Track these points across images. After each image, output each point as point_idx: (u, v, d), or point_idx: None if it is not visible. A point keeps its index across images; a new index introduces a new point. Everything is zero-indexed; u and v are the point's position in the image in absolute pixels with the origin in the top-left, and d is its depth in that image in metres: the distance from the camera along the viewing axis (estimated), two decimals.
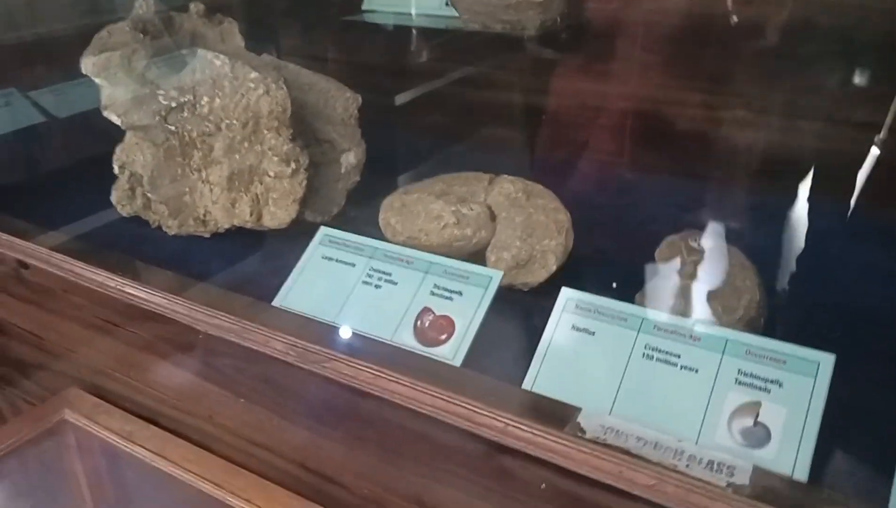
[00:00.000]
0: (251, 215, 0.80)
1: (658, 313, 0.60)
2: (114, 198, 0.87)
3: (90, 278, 0.76)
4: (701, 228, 0.75)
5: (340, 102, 0.87)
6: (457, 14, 1.01)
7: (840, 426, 0.52)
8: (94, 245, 0.82)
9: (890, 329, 0.65)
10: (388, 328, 0.66)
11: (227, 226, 0.83)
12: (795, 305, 0.67)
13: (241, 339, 0.67)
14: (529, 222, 0.77)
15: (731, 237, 0.69)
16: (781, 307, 0.65)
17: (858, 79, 0.86)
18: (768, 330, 0.61)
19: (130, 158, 0.86)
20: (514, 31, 0.94)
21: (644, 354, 0.58)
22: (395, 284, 0.69)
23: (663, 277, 0.65)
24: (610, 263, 0.76)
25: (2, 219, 0.85)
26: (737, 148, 0.95)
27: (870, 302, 0.69)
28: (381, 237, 0.78)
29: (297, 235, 0.81)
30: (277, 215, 0.81)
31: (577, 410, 0.56)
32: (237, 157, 0.79)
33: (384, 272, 0.70)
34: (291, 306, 0.71)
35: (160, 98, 0.82)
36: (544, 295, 0.71)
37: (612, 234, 0.82)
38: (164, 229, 0.86)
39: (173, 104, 0.81)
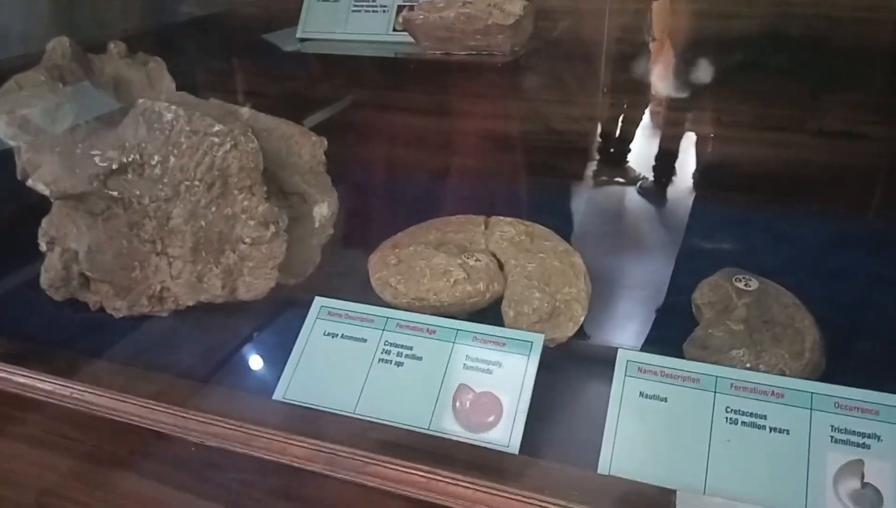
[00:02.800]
0: (223, 288, 0.69)
1: (727, 369, 0.55)
2: (44, 281, 0.72)
3: (34, 386, 0.62)
4: (722, 260, 0.72)
5: (307, 148, 0.77)
6: (409, 40, 0.94)
7: None
8: (29, 343, 0.67)
9: None
10: (422, 415, 0.58)
11: (190, 303, 0.71)
12: (849, 341, 0.64)
13: (249, 448, 0.56)
14: (543, 268, 0.70)
15: (762, 270, 0.66)
16: (836, 346, 0.61)
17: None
18: (833, 373, 0.58)
19: (61, 232, 0.71)
20: (481, 58, 0.87)
21: (727, 418, 0.53)
22: (420, 359, 0.61)
23: (713, 323, 0.61)
24: (632, 308, 0.71)
25: None
26: (712, 164, 0.94)
27: None
28: (377, 301, 0.69)
29: (273, 302, 0.71)
30: (254, 286, 0.70)
31: (671, 493, 0.50)
32: (202, 224, 0.67)
33: (403, 346, 0.61)
34: (298, 399, 0.60)
35: (96, 160, 0.68)
36: (581, 352, 0.65)
37: (618, 270, 0.77)
38: (108, 311, 0.72)
39: (114, 166, 0.68)
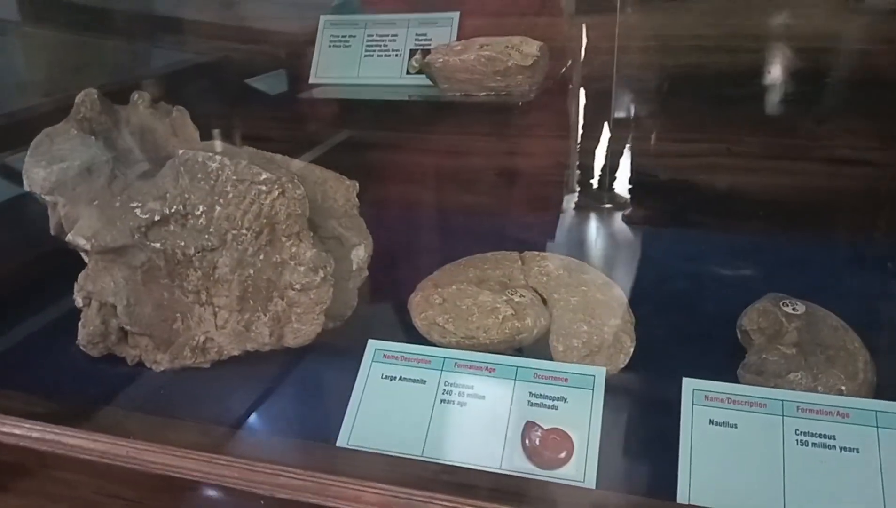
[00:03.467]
0: (271, 336, 0.68)
1: (792, 392, 0.56)
2: (82, 337, 0.71)
3: (86, 446, 0.60)
4: (751, 286, 0.74)
5: (341, 193, 0.78)
6: (423, 82, 0.95)
7: None
8: (70, 402, 0.65)
9: None
10: (493, 454, 0.58)
11: (235, 353, 0.70)
12: (889, 359, 0.66)
13: (322, 498, 0.55)
14: (586, 301, 0.71)
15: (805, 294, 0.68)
16: (881, 363, 0.63)
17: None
18: (888, 392, 0.60)
19: (98, 285, 0.70)
20: (499, 98, 0.89)
21: (798, 441, 0.54)
22: (483, 398, 0.61)
23: (765, 348, 0.62)
24: (673, 338, 0.72)
25: None
26: (716, 191, 0.96)
27: None
28: (421, 341, 0.69)
29: (314, 348, 0.71)
30: (302, 332, 0.69)
31: None
32: (251, 272, 0.67)
33: (464, 386, 0.61)
34: (362, 445, 0.60)
35: (137, 212, 0.68)
36: (635, 383, 0.66)
37: (650, 300, 0.78)
38: (148, 365, 0.71)
39: (156, 218, 0.67)
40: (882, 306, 0.73)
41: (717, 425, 0.55)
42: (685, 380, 0.57)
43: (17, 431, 0.62)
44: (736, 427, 0.55)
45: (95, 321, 0.70)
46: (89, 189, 0.69)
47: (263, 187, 0.65)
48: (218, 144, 0.73)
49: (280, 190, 0.66)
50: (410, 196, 0.98)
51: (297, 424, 0.64)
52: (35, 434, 0.62)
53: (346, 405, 0.62)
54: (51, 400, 0.65)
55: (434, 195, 0.98)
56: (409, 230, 0.94)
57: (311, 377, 0.69)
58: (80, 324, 0.71)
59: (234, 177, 0.66)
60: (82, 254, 0.73)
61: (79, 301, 0.71)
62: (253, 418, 0.64)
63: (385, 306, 0.79)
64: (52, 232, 0.71)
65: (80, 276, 0.71)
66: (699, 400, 0.57)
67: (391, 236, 0.84)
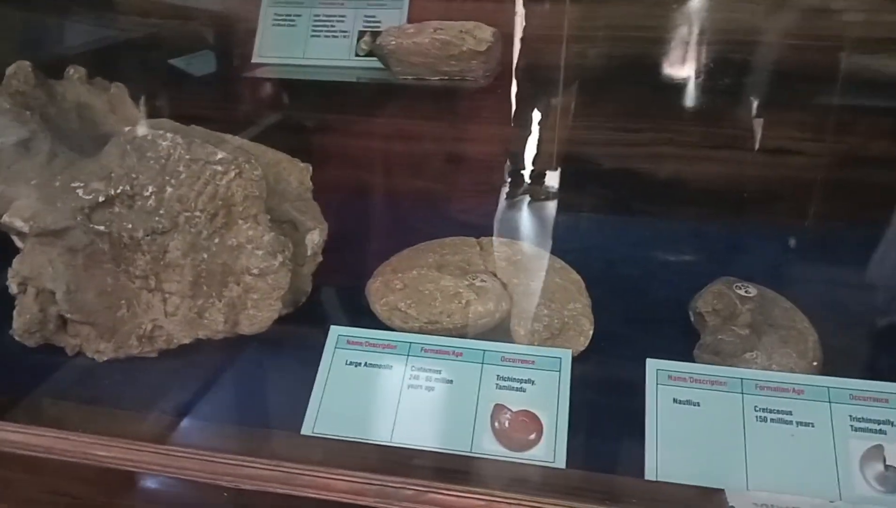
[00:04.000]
0: (225, 323, 0.66)
1: (751, 371, 0.59)
2: (18, 326, 0.66)
3: (29, 442, 0.56)
4: (698, 271, 0.77)
5: (294, 175, 0.75)
6: (373, 65, 0.94)
7: None
8: (7, 395, 0.61)
9: None
10: (462, 438, 0.57)
11: (186, 341, 0.67)
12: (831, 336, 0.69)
13: (291, 487, 0.53)
14: (546, 285, 0.72)
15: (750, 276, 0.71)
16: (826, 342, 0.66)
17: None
18: (832, 368, 0.63)
19: (35, 271, 0.65)
20: (452, 83, 0.89)
21: (757, 417, 0.56)
22: (450, 382, 0.60)
23: (720, 329, 0.64)
24: (626, 320, 0.73)
25: None
26: (661, 180, 0.99)
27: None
28: (380, 327, 0.68)
29: (269, 335, 0.69)
30: (258, 319, 0.67)
31: (720, 492, 0.52)
32: (205, 256, 0.64)
33: (432, 370, 0.61)
34: (329, 433, 0.58)
35: (79, 192, 0.63)
36: (596, 364, 0.67)
37: (606, 285, 0.80)
38: (89, 355, 0.67)
39: (100, 198, 0.63)
40: (822, 287, 0.77)
41: (680, 403, 0.57)
42: (649, 361, 0.59)
43: None
44: (699, 406, 0.57)
45: (32, 309, 0.65)
46: (27, 167, 0.64)
47: (219, 168, 0.63)
48: (165, 122, 0.69)
49: (237, 171, 0.63)
50: (360, 180, 0.96)
51: (256, 413, 0.62)
52: None
53: (307, 394, 0.60)
54: None
55: (384, 180, 0.96)
56: (360, 215, 0.93)
57: (267, 366, 0.67)
58: (14, 312, 0.66)
59: (188, 156, 0.63)
60: (14, 237, 0.69)
61: (13, 288, 0.66)
62: (209, 408, 0.62)
63: (340, 291, 0.77)
64: None
65: (14, 261, 0.66)
66: (663, 380, 0.58)
67: (342, 221, 0.82)
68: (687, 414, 0.56)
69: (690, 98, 0.96)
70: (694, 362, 0.63)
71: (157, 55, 1.06)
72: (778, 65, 0.91)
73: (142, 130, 0.64)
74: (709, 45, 0.93)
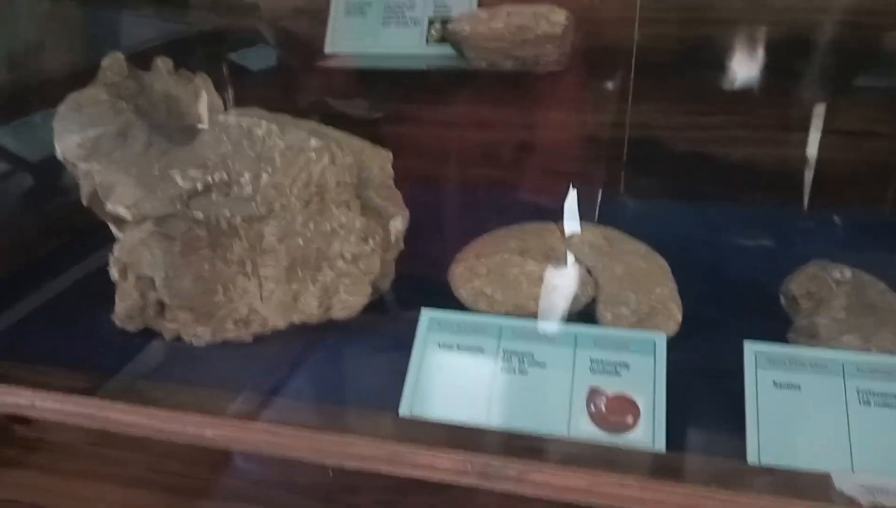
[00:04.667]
0: (319, 307, 0.67)
1: (851, 353, 0.58)
2: (120, 311, 0.68)
3: (138, 423, 0.58)
4: (781, 255, 0.76)
5: (377, 163, 0.76)
6: (445, 52, 0.94)
7: None
8: (118, 378, 0.63)
9: None
10: (559, 421, 0.58)
11: (280, 326, 0.68)
12: None
13: (395, 466, 0.54)
14: (631, 270, 0.72)
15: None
16: None
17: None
18: None
19: (133, 257, 0.68)
20: (526, 67, 0.89)
21: (860, 400, 0.55)
22: (543, 365, 0.61)
23: (815, 312, 0.64)
24: (720, 304, 0.73)
25: None
26: (736, 163, 0.98)
27: None
28: (460, 307, 0.69)
29: (358, 319, 0.70)
30: (349, 303, 0.68)
31: (825, 475, 0.52)
32: (300, 242, 0.65)
33: (524, 353, 0.61)
34: (425, 414, 0.59)
35: (178, 180, 0.65)
36: (686, 349, 0.66)
37: (688, 270, 0.79)
38: (186, 339, 0.69)
39: (199, 186, 0.65)
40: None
41: (780, 387, 0.56)
42: (747, 343, 0.58)
43: (61, 407, 0.60)
44: (799, 389, 0.56)
45: (133, 295, 0.68)
46: (125, 156, 0.66)
47: (313, 155, 0.64)
48: (256, 110, 0.70)
49: (330, 157, 0.64)
50: (434, 168, 0.97)
51: (352, 394, 0.63)
52: (82, 410, 0.60)
53: (401, 376, 0.61)
54: (95, 376, 0.64)
55: (459, 168, 0.97)
56: (436, 203, 0.93)
57: (360, 349, 0.68)
58: (116, 298, 0.68)
59: (283, 144, 0.64)
60: (111, 225, 0.71)
61: (114, 274, 0.68)
62: (308, 389, 0.63)
63: (422, 277, 0.78)
64: (85, 202, 0.68)
65: (114, 247, 0.68)
66: (762, 363, 0.57)
67: (418, 208, 0.83)
68: (788, 398, 0.56)
69: (763, 81, 0.95)
70: (787, 345, 0.62)
71: (230, 48, 1.08)
72: (851, 45, 0.89)
73: (236, 118, 0.65)
74: (781, 26, 0.91)
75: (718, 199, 0.94)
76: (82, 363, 0.66)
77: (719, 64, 0.95)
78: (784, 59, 0.93)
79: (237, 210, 0.65)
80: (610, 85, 0.93)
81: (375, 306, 0.72)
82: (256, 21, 1.11)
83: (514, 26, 0.86)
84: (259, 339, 0.69)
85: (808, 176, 0.95)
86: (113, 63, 0.72)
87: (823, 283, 0.65)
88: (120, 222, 0.69)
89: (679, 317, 0.68)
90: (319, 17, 1.01)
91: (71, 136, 0.65)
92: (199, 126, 0.72)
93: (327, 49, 1.00)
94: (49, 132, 0.68)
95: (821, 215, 0.90)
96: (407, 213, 0.77)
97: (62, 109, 0.68)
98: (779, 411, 0.55)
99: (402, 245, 0.77)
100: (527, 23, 0.86)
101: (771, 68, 0.94)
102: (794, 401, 0.56)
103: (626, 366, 0.60)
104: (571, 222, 0.78)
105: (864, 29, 0.89)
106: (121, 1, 1.20)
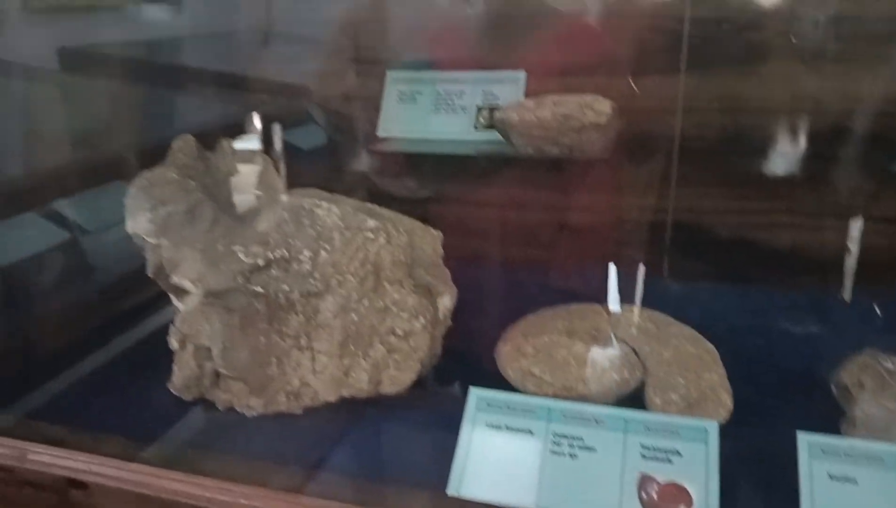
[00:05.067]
0: (369, 382, 0.68)
1: None
2: (178, 380, 0.70)
3: (194, 493, 0.59)
4: (827, 343, 0.76)
5: (428, 242, 0.79)
6: (492, 138, 0.98)
7: None
8: (172, 446, 0.65)
9: None
10: (609, 507, 0.57)
11: (330, 398, 0.70)
12: None
13: None
14: (679, 354, 0.72)
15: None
16: None
17: None
18: None
19: (193, 328, 0.70)
20: (571, 154, 0.92)
21: None
22: (594, 450, 0.61)
23: (868, 403, 0.63)
24: (770, 391, 0.72)
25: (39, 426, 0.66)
26: (778, 249, 0.98)
27: None
28: (509, 389, 0.70)
29: (405, 395, 0.71)
30: (398, 379, 0.69)
31: None
32: (354, 317, 0.68)
33: (574, 437, 0.61)
34: (474, 494, 0.59)
35: (240, 256, 0.68)
36: (737, 437, 0.66)
37: (735, 356, 0.79)
38: (239, 410, 0.71)
39: (260, 262, 0.68)
40: None
41: (836, 480, 0.56)
42: (800, 434, 0.58)
43: (117, 473, 0.62)
44: (856, 483, 0.55)
45: (190, 365, 0.70)
46: (193, 233, 0.69)
47: (370, 235, 0.67)
48: (315, 191, 0.74)
49: (386, 237, 0.67)
50: (481, 248, 0.99)
51: (399, 471, 0.64)
52: (136, 478, 0.61)
53: (448, 454, 0.61)
54: (150, 444, 0.65)
55: (504, 248, 0.99)
56: (482, 281, 0.95)
57: (408, 425, 0.69)
58: (174, 367, 0.70)
59: (342, 224, 0.67)
60: (173, 297, 0.74)
61: (173, 344, 0.71)
62: (356, 464, 0.64)
63: (468, 355, 0.79)
64: (151, 274, 0.71)
65: (175, 318, 0.71)
66: (816, 454, 0.57)
67: (465, 287, 0.85)
68: (844, 491, 0.55)
69: (804, 167, 0.96)
70: (841, 436, 0.62)
71: (285, 128, 1.13)
72: (890, 133, 0.91)
73: (298, 199, 0.69)
74: (820, 114, 0.94)
75: (762, 284, 0.94)
76: (138, 431, 0.67)
77: (761, 151, 0.97)
78: (825, 147, 0.95)
79: (296, 286, 0.68)
80: (653, 170, 0.96)
81: (423, 382, 0.73)
82: (309, 105, 1.17)
83: (560, 115, 0.90)
84: (309, 411, 0.70)
85: (851, 262, 0.95)
86: (184, 145, 0.76)
87: (875, 373, 0.64)
88: (182, 293, 0.72)
89: (730, 404, 0.67)
90: (370, 102, 1.06)
91: (142, 213, 0.69)
92: (261, 205, 0.76)
93: (380, 132, 1.05)
94: (111, 205, 0.73)
95: (864, 302, 0.90)
96: (455, 291, 0.79)
97: (134, 187, 0.72)
98: (835, 504, 0.54)
99: (449, 322, 0.79)
100: (573, 112, 0.90)
101: (812, 155, 0.96)
102: (850, 495, 0.55)
103: (678, 453, 0.59)
104: (617, 304, 0.79)
105: None
106: (182, 84, 1.28)
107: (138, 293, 0.89)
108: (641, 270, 0.95)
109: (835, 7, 0.95)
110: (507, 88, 1.03)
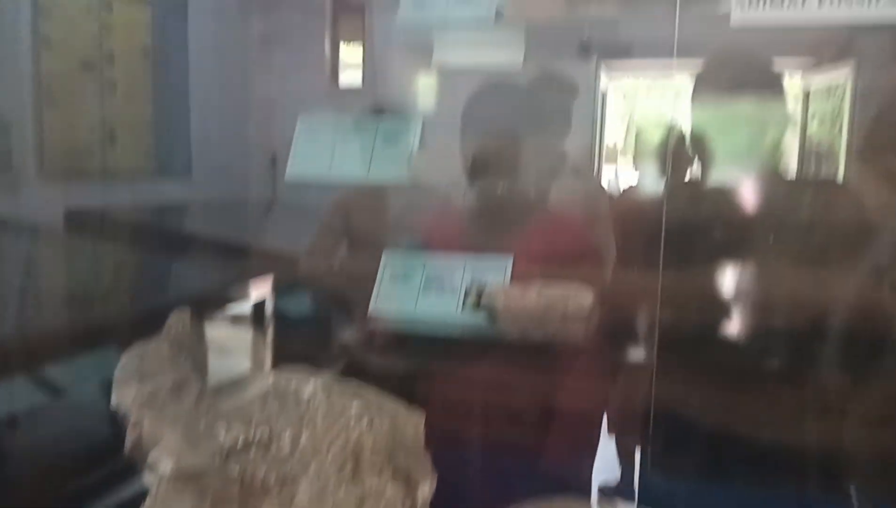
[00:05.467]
0: None
1: None
2: None
3: None
4: None
5: (410, 424, 0.79)
6: (478, 320, 1.01)
7: None
8: None
9: None
10: None
11: None
12: None
13: None
14: None
15: None
16: None
17: None
18: None
19: None
20: (554, 340, 0.94)
21: None
22: None
23: None
24: None
25: None
26: (764, 444, 0.98)
27: None
28: None
29: None
30: None
31: None
32: (330, 503, 0.66)
33: None
34: None
35: (221, 434, 0.68)
36: None
37: None
38: None
39: (239, 444, 0.68)
40: None
41: None
42: None
43: None
44: None
45: None
46: (176, 410, 0.70)
47: (353, 418, 0.67)
48: (302, 370, 0.75)
49: (368, 422, 0.67)
50: (464, 429, 0.99)
51: None
52: None
53: None
54: None
55: (486, 430, 0.99)
56: (462, 464, 0.94)
57: None
58: None
59: (326, 406, 0.67)
60: (148, 473, 0.72)
61: None
62: None
63: None
64: (127, 451, 0.70)
65: (148, 498, 0.69)
66: None
67: (444, 469, 0.84)
68: None
69: (784, 362, 0.99)
70: None
71: (276, 298, 1.17)
72: (866, 331, 0.94)
73: (286, 377, 0.70)
74: (802, 309, 0.97)
75: (742, 481, 0.93)
76: None
77: (741, 344, 1.00)
78: (806, 344, 0.98)
79: (273, 469, 0.67)
80: (633, 358, 0.98)
81: None
82: (301, 276, 1.21)
83: (544, 303, 0.93)
84: None
85: (831, 459, 0.95)
86: (178, 320, 0.78)
87: None
88: (156, 470, 0.70)
89: None
90: (363, 280, 1.10)
91: (128, 388, 0.69)
92: (250, 375, 0.77)
93: (371, 310, 1.08)
94: (98, 370, 0.73)
95: (846, 500, 0.89)
96: (435, 477, 0.78)
97: (125, 359, 0.73)
98: None
99: None
100: (556, 303, 0.93)
101: (793, 352, 0.98)
102: None
103: None
104: (602, 498, 0.78)
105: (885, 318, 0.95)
106: (176, 250, 1.33)
107: (113, 464, 0.87)
108: (623, 459, 0.94)
109: (809, 208, 1.02)
110: (494, 272, 1.08)
